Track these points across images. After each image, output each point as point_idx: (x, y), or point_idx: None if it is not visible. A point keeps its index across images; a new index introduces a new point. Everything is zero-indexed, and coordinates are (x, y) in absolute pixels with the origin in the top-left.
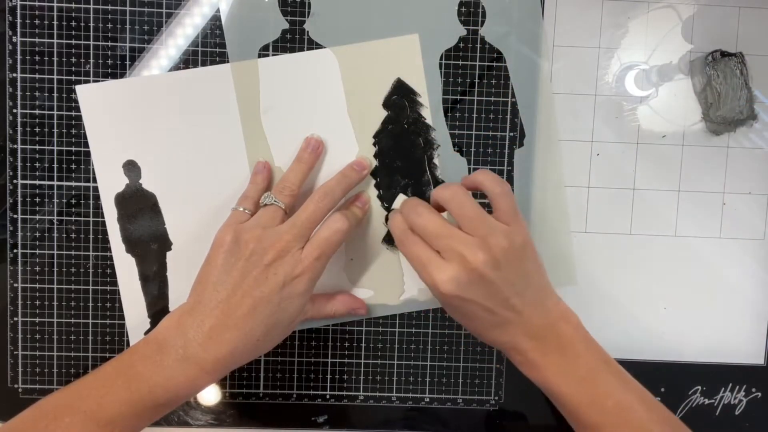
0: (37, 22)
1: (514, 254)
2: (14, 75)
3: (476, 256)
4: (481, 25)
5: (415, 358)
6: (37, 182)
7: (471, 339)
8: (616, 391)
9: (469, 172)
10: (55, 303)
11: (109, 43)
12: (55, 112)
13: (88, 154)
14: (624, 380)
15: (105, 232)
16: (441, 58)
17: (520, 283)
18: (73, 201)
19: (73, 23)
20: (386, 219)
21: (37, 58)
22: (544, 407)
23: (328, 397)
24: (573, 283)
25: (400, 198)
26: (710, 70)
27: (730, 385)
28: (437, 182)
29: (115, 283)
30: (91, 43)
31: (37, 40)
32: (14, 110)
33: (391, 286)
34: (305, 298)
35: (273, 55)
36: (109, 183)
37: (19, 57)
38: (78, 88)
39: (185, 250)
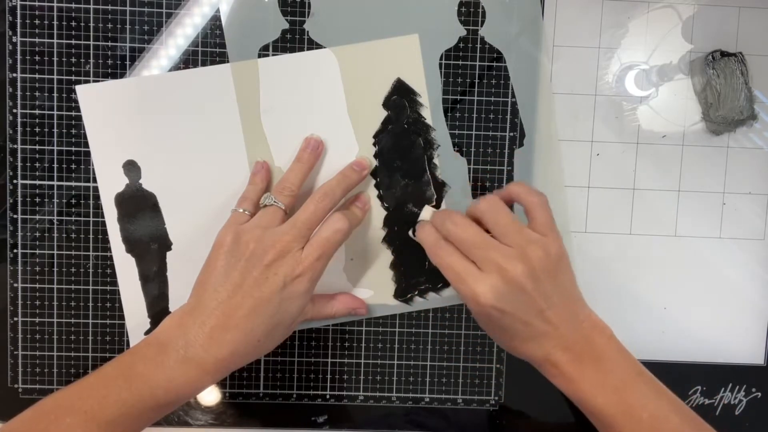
0: (37, 22)
1: (550, 266)
2: (14, 75)
3: (515, 266)
4: (481, 25)
5: (415, 358)
6: (37, 182)
7: (471, 339)
8: (651, 402)
9: (469, 172)
10: (55, 303)
11: (109, 43)
12: (55, 112)
13: (88, 154)
14: (658, 390)
15: (105, 232)
16: (441, 58)
17: (555, 295)
18: (73, 201)
19: (73, 23)
20: (412, 232)
21: (37, 58)
22: (544, 407)
23: (328, 397)
24: None
25: (428, 210)
26: (710, 70)
27: (730, 385)
28: (437, 182)
29: (115, 283)
30: (91, 43)
31: (37, 40)
32: (14, 110)
33: (391, 286)
34: (306, 298)
35: (273, 55)
36: (109, 183)
37: (19, 57)
38: (78, 88)
39: (185, 250)
